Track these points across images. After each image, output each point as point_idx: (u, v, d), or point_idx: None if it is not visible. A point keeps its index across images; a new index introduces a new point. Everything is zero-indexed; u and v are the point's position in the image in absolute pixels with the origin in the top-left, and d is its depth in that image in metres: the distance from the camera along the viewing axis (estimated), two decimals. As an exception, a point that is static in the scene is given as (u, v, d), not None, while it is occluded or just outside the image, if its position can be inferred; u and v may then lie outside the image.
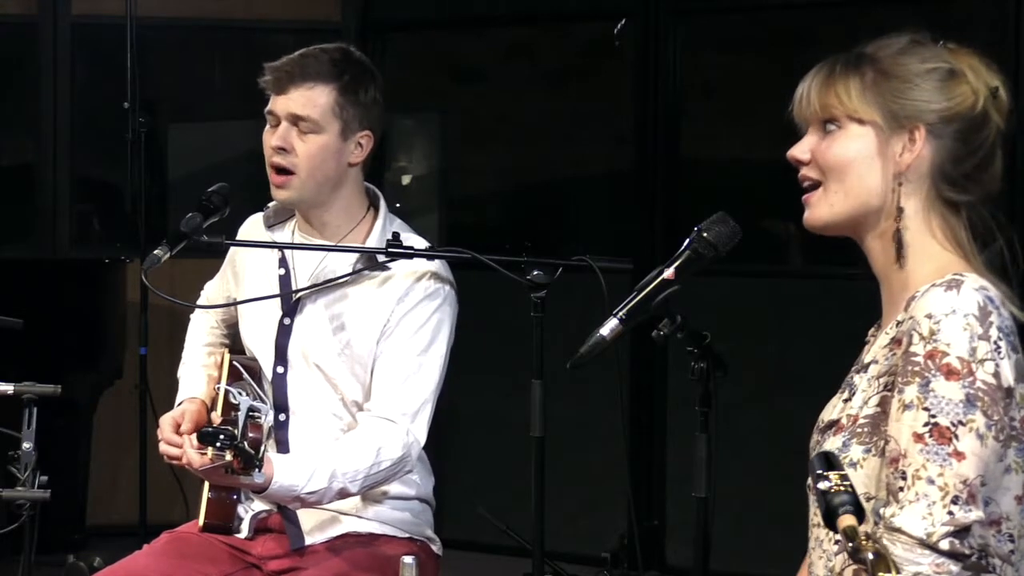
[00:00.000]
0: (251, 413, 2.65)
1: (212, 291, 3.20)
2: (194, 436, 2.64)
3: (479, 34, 6.05)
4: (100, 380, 5.33)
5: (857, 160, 2.01)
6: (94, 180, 6.30)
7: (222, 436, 2.52)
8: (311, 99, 2.85)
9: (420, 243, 2.91)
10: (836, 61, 2.04)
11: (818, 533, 2.04)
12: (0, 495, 2.83)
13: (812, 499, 2.04)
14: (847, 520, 1.58)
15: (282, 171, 2.87)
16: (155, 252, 2.78)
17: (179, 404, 2.99)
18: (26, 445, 2.82)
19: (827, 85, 2.03)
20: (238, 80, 5.54)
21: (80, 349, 5.19)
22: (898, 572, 1.54)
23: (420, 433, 2.86)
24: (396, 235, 2.87)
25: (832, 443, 1.99)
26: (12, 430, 2.84)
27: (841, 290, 4.67)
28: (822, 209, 2.05)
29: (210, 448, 2.53)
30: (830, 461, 1.65)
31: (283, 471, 2.70)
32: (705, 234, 2.19)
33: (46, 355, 4.90)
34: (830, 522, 1.60)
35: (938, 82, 1.99)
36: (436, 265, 2.91)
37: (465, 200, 6.32)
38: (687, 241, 2.20)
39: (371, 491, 2.87)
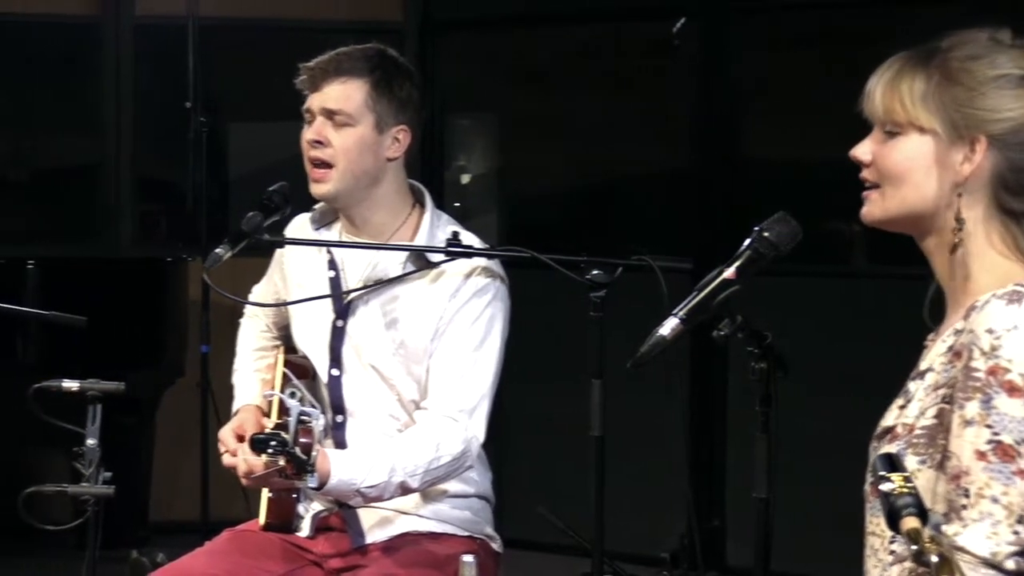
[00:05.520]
0: (302, 418, 2.66)
1: (260, 294, 3.21)
2: (247, 443, 2.66)
3: (538, 33, 6.04)
4: (162, 378, 5.37)
5: (914, 169, 1.99)
6: (156, 179, 6.36)
7: (274, 442, 2.53)
8: (345, 93, 2.88)
9: (475, 241, 2.92)
10: (906, 57, 2.01)
11: (872, 541, 2.01)
12: (66, 491, 2.86)
13: (868, 506, 2.03)
14: (911, 522, 1.56)
15: (320, 165, 2.90)
16: (216, 251, 2.80)
17: (235, 413, 3.01)
18: (90, 442, 2.85)
19: (892, 86, 2.00)
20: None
21: (143, 347, 5.24)
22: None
23: (479, 429, 2.86)
24: (456, 234, 2.87)
25: (887, 451, 1.96)
26: (77, 427, 2.87)
27: (905, 291, 4.62)
28: (877, 209, 2.04)
29: (263, 454, 2.54)
30: (893, 463, 1.64)
31: (341, 466, 2.70)
32: (766, 234, 2.18)
33: (109, 353, 4.94)
34: (893, 524, 1.58)
35: (1007, 90, 1.95)
36: (487, 260, 2.91)
37: (524, 199, 6.32)
38: (748, 241, 2.19)
39: (430, 489, 2.87)
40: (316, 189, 2.92)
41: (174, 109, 5.23)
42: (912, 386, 2.00)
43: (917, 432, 1.94)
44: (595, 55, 5.95)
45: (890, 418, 2.01)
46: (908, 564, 1.92)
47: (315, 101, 2.91)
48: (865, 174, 2.05)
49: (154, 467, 5.45)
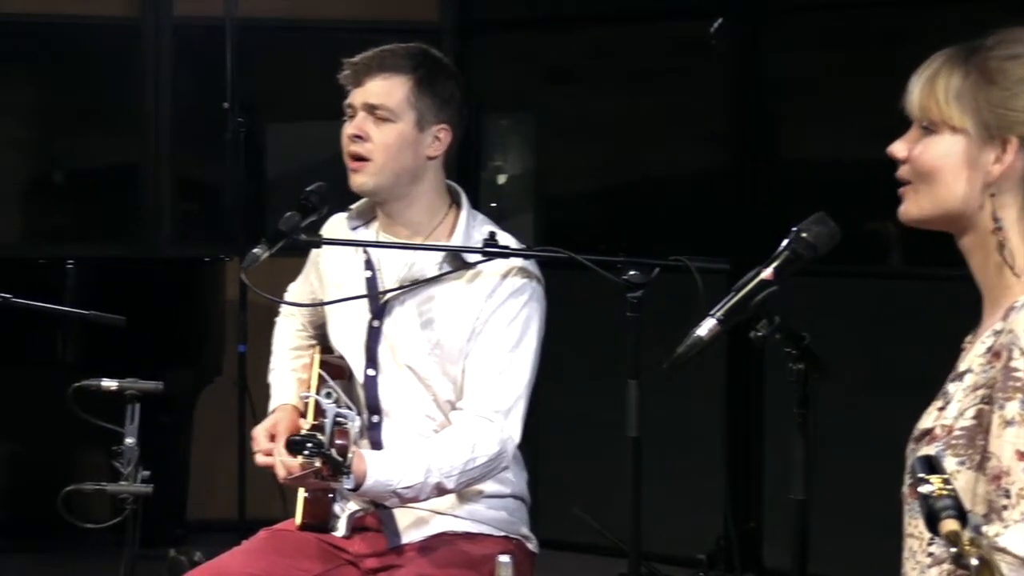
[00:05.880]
0: (338, 419, 2.67)
1: (296, 294, 3.21)
2: (283, 444, 2.66)
3: (575, 33, 6.04)
4: (200, 377, 5.40)
5: (945, 168, 1.98)
6: (194, 180, 6.39)
7: (310, 444, 2.53)
8: (387, 89, 2.89)
9: (511, 241, 2.92)
10: (948, 54, 2.00)
11: (911, 544, 2.00)
12: (105, 489, 2.88)
13: (906, 508, 2.02)
14: (950, 525, 1.55)
15: (359, 159, 2.91)
16: (254, 251, 2.80)
17: (271, 412, 3.03)
18: (129, 440, 2.86)
19: (930, 84, 1.99)
20: (336, 80, 5.60)
21: (181, 346, 5.26)
22: (1002, 579, 1.52)
23: (515, 430, 2.86)
24: (492, 234, 2.87)
25: (925, 453, 1.95)
26: (116, 425, 2.88)
27: (942, 291, 4.61)
28: (913, 207, 2.04)
29: (299, 456, 2.55)
30: (932, 464, 1.63)
31: (377, 467, 2.71)
32: (804, 235, 2.17)
33: (148, 352, 4.97)
34: (932, 526, 1.57)
35: None
36: (523, 261, 2.91)
37: (560, 200, 6.32)
38: (786, 242, 2.18)
39: (466, 490, 2.87)
40: (354, 180, 2.93)
41: (212, 109, 5.25)
42: (951, 387, 1.99)
43: (956, 433, 1.93)
44: (631, 55, 5.94)
45: (928, 420, 2.00)
46: (947, 566, 1.91)
47: (357, 96, 2.92)
48: (901, 171, 2.05)
49: (192, 466, 5.47)
